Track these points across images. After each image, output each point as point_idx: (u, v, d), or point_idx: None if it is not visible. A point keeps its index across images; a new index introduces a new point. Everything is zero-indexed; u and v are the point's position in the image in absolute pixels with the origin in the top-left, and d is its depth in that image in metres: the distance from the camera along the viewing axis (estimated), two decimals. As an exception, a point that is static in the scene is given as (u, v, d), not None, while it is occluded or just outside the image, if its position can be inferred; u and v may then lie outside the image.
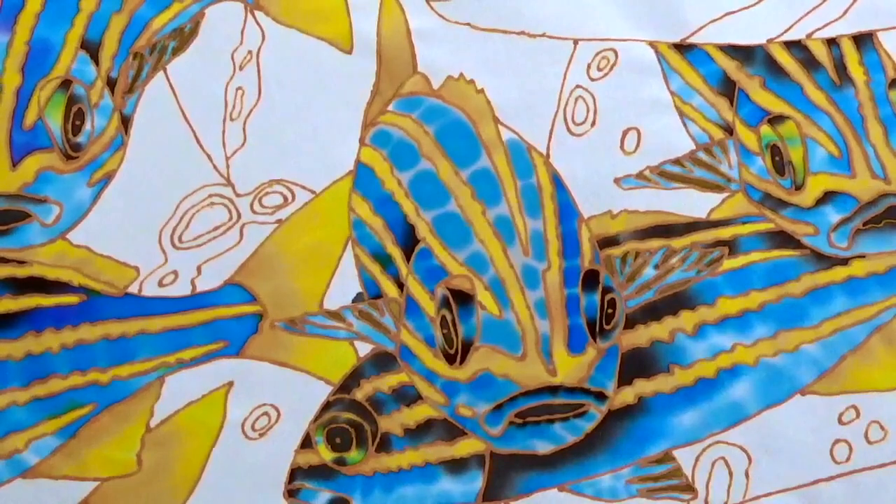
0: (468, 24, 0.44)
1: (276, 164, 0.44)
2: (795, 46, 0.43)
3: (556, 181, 0.43)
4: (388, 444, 0.42)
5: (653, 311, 0.42)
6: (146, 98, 0.44)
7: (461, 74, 0.44)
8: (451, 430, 0.42)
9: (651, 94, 0.43)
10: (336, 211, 0.43)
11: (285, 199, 0.43)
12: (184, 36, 0.45)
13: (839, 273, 0.42)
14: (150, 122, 0.44)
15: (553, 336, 0.42)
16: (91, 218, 0.43)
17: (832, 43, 0.43)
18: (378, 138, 0.44)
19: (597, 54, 0.44)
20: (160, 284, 0.43)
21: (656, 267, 0.42)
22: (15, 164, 0.44)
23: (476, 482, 0.41)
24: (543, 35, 0.44)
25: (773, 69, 0.43)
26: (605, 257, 0.42)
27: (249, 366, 0.42)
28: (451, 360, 0.42)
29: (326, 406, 0.42)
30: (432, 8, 0.44)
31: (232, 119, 0.44)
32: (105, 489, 0.42)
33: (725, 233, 0.42)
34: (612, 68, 0.43)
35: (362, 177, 0.43)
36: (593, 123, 0.43)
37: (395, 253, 0.43)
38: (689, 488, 0.41)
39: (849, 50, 0.43)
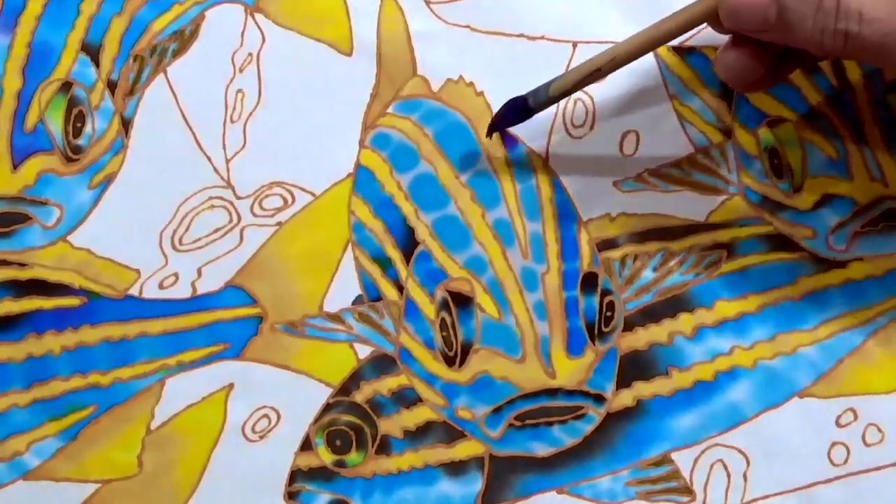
0: (468, 26, 0.44)
1: (276, 167, 0.44)
2: (794, 49, 0.43)
3: (555, 184, 0.43)
4: (388, 446, 0.42)
5: (651, 314, 0.42)
6: (146, 100, 0.44)
7: (461, 77, 0.44)
8: (450, 432, 0.42)
9: (650, 96, 0.43)
10: (336, 213, 0.43)
11: (285, 201, 0.43)
12: (184, 38, 0.45)
13: (837, 276, 0.42)
14: (150, 125, 0.44)
15: (552, 338, 0.42)
16: (92, 220, 0.44)
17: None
18: (378, 141, 0.44)
19: (596, 57, 0.44)
20: (161, 287, 0.43)
21: (655, 270, 0.42)
22: (16, 166, 0.44)
23: (475, 484, 0.41)
24: (542, 38, 0.44)
25: (772, 72, 0.43)
26: (604, 260, 0.42)
27: (250, 368, 0.42)
28: (450, 362, 0.42)
29: (326, 408, 0.42)
30: (432, 10, 0.44)
31: (232, 121, 0.44)
32: (106, 491, 0.42)
33: (724, 235, 0.42)
34: (611, 71, 0.44)
35: (362, 179, 0.43)
36: (592, 126, 0.43)
37: (395, 255, 0.43)
38: (688, 490, 0.41)
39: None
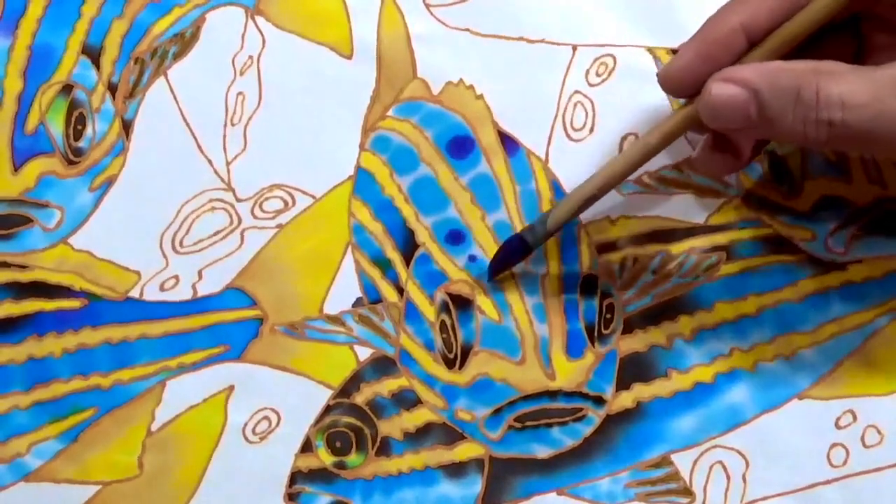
0: (467, 29, 0.44)
1: (276, 169, 0.44)
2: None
3: (555, 186, 0.43)
4: (388, 448, 0.42)
5: (651, 316, 0.42)
6: (147, 103, 0.44)
7: (461, 80, 0.44)
8: (450, 434, 0.42)
9: (649, 99, 0.43)
10: (336, 216, 0.43)
11: (286, 203, 0.43)
12: (184, 41, 0.45)
13: (836, 278, 0.42)
14: (151, 127, 0.44)
15: (552, 341, 0.42)
16: (92, 222, 0.44)
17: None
18: (378, 143, 0.44)
19: (595, 60, 0.44)
20: (161, 289, 0.43)
21: (654, 272, 0.42)
22: (16, 168, 0.44)
23: (475, 486, 0.41)
24: (542, 41, 0.44)
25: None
26: (604, 262, 0.42)
27: (250, 370, 0.42)
28: (450, 364, 0.42)
29: (327, 410, 0.42)
30: (432, 13, 0.45)
31: (233, 124, 0.44)
32: (106, 493, 0.42)
33: (723, 238, 0.42)
34: (610, 74, 0.44)
35: (362, 182, 0.43)
36: (592, 129, 0.43)
37: (395, 258, 0.43)
38: (687, 492, 0.41)
39: (846, 56, 0.43)
